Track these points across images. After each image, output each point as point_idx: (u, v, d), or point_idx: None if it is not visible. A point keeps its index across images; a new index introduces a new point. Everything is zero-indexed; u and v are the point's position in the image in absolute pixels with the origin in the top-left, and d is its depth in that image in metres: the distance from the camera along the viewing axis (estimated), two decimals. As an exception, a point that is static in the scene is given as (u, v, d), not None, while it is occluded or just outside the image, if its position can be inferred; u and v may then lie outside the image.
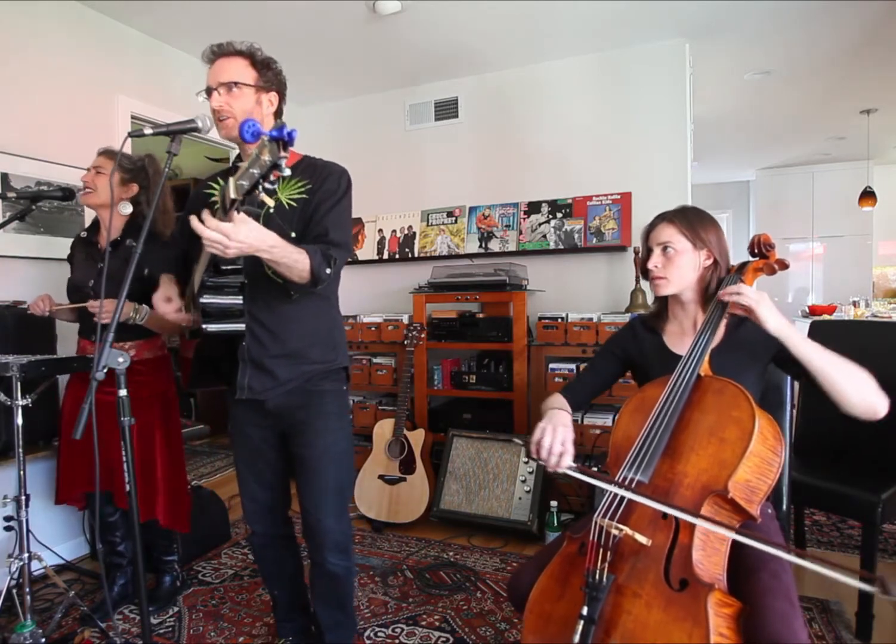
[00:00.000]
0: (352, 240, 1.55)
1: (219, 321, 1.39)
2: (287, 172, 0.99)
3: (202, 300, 1.35)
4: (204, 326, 1.36)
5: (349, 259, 1.57)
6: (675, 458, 1.16)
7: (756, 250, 1.42)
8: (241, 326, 1.42)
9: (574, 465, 1.21)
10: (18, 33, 2.46)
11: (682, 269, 1.38)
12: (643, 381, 1.43)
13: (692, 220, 1.39)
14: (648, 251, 1.43)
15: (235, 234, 1.11)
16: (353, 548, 2.60)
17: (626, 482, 1.16)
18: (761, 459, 1.11)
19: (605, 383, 1.57)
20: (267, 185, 1.01)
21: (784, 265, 1.38)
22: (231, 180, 1.03)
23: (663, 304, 1.50)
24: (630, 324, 1.59)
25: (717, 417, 1.16)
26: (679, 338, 1.45)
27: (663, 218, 1.42)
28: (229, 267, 1.34)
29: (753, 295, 1.20)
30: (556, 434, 1.24)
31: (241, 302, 1.40)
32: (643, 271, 1.45)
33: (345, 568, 1.60)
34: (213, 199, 1.28)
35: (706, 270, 1.39)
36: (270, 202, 1.08)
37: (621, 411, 1.33)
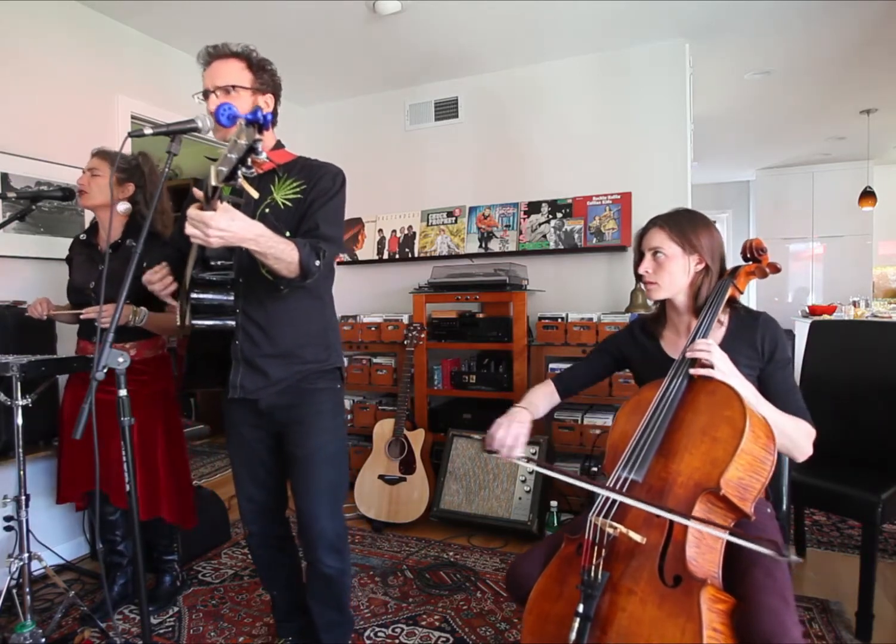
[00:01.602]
0: (343, 236, 1.54)
1: (207, 317, 1.38)
2: (263, 156, 1.00)
3: (192, 295, 1.34)
4: (193, 322, 1.36)
5: (348, 258, 1.57)
6: (668, 457, 1.17)
7: (749, 254, 1.45)
8: (231, 323, 1.41)
9: (525, 455, 1.35)
10: (18, 33, 2.46)
11: (673, 275, 1.38)
12: (641, 384, 1.44)
13: (683, 226, 1.38)
14: (640, 255, 1.43)
15: (216, 223, 1.10)
16: (352, 548, 2.61)
17: (621, 481, 1.17)
18: (753, 458, 1.11)
19: (597, 375, 1.61)
20: (244, 170, 1.01)
21: (776, 269, 1.42)
22: (212, 167, 1.04)
23: (662, 308, 1.50)
24: (629, 326, 1.59)
25: (709, 417, 1.17)
26: (675, 342, 1.45)
27: (654, 223, 1.41)
28: (218, 262, 1.33)
29: (724, 368, 1.22)
30: (510, 428, 1.37)
31: (231, 299, 1.39)
32: (636, 276, 1.46)
33: (338, 570, 1.59)
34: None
35: (697, 275, 1.39)
36: (254, 193, 1.08)
37: (619, 412, 1.34)
